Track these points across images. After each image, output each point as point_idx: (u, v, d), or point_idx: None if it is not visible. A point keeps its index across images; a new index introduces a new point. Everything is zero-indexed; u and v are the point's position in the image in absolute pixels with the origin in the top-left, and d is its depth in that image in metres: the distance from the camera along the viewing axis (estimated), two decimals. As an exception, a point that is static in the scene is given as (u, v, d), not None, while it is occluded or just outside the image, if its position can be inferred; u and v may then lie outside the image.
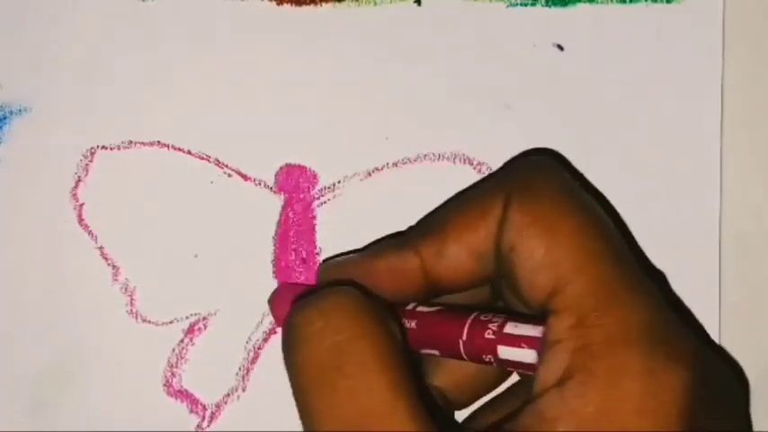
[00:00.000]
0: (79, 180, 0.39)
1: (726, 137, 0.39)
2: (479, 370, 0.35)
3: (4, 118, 0.39)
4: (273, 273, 0.40)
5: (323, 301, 0.30)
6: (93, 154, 0.39)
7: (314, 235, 0.40)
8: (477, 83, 0.40)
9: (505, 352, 0.31)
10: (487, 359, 0.31)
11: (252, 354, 0.39)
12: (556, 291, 0.29)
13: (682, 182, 0.39)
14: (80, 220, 0.39)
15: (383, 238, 0.37)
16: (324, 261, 0.38)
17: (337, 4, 0.40)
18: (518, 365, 0.31)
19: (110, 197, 0.39)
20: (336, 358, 0.29)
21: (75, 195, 0.39)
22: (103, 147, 0.39)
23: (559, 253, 0.30)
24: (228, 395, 0.39)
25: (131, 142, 0.40)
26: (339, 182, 0.40)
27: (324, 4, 0.40)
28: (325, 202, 0.40)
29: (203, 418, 0.39)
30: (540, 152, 0.39)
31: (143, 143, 0.40)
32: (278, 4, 0.40)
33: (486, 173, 0.39)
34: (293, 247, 0.40)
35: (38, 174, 0.39)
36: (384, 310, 0.31)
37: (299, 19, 0.40)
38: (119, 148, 0.40)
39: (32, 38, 0.39)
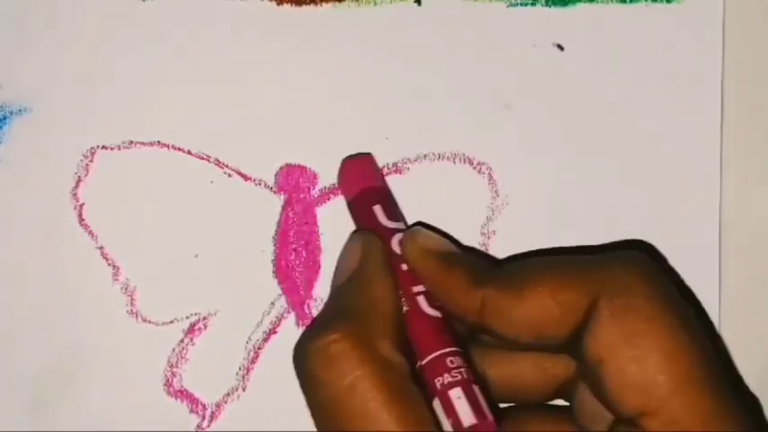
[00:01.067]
0: (79, 180, 0.39)
1: (726, 137, 0.39)
2: (534, 374, 0.35)
3: (4, 118, 0.39)
4: (273, 273, 0.40)
5: (327, 347, 0.30)
6: (93, 154, 0.39)
7: (314, 235, 0.40)
8: (477, 83, 0.40)
9: (437, 407, 0.31)
10: (428, 391, 0.31)
11: (252, 354, 0.39)
12: (647, 412, 0.29)
13: (682, 182, 0.39)
14: (80, 220, 0.39)
15: (473, 253, 0.36)
16: (418, 227, 0.36)
17: (337, 4, 0.40)
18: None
19: (110, 197, 0.39)
20: (344, 404, 0.30)
21: (75, 195, 0.39)
22: (103, 147, 0.39)
23: (655, 376, 0.29)
24: (228, 395, 0.39)
25: (131, 142, 0.40)
26: (339, 182, 0.40)
27: (324, 4, 0.40)
28: (325, 202, 0.40)
29: (203, 418, 0.39)
30: (630, 245, 0.39)
31: (143, 143, 0.40)
32: (278, 4, 0.40)
33: (486, 173, 0.39)
34: (293, 247, 0.40)
35: (38, 174, 0.39)
36: (377, 340, 0.31)
37: (299, 19, 0.40)
38: (119, 148, 0.40)
39: (32, 38, 0.39)
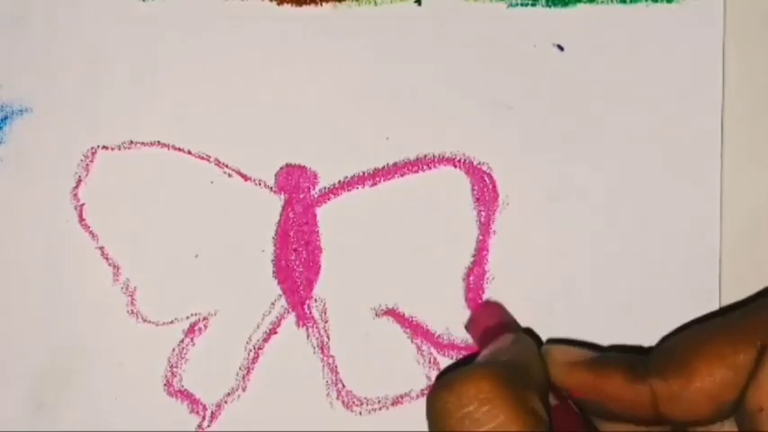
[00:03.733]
0: (79, 180, 0.39)
1: (726, 137, 0.39)
2: None
3: (5, 118, 0.39)
4: (273, 273, 0.40)
5: (479, 382, 0.30)
6: (93, 154, 0.39)
7: (314, 235, 0.40)
8: (478, 83, 0.40)
9: None
10: None
11: (252, 354, 0.39)
12: None
13: (682, 182, 0.39)
14: (80, 219, 0.39)
15: (617, 353, 0.35)
16: (551, 344, 0.36)
17: (337, 4, 0.40)
18: None
19: (110, 197, 0.39)
20: None
21: (75, 195, 0.39)
22: (104, 147, 0.39)
23: None
24: (228, 395, 0.39)
25: (131, 142, 0.40)
26: (339, 182, 0.40)
27: (324, 4, 0.40)
28: (325, 202, 0.40)
29: (204, 418, 0.39)
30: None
31: (143, 143, 0.40)
32: (278, 5, 0.40)
33: (487, 173, 0.39)
34: (293, 247, 0.40)
35: (38, 174, 0.39)
36: (527, 391, 0.31)
37: (299, 19, 0.40)
38: (119, 148, 0.40)
39: (32, 38, 0.39)
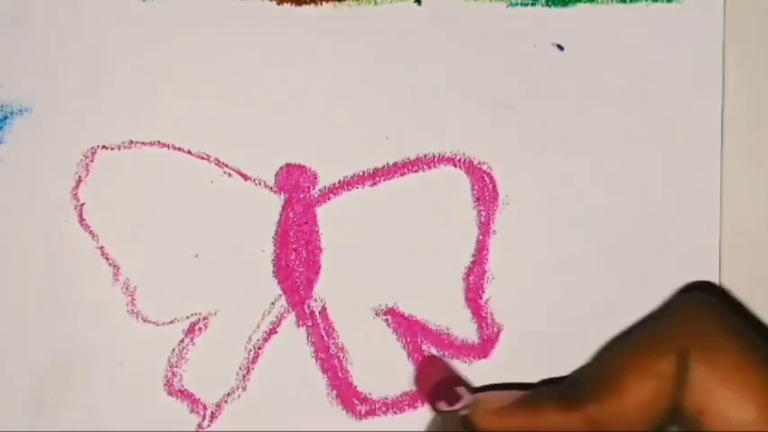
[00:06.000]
0: (79, 180, 0.39)
1: (726, 137, 0.39)
2: None
3: (5, 118, 0.39)
4: (273, 273, 0.40)
5: None
6: (93, 154, 0.39)
7: (314, 235, 0.40)
8: (477, 83, 0.40)
9: None
10: None
11: (252, 354, 0.39)
12: None
13: (682, 182, 0.39)
14: (80, 219, 0.39)
15: (544, 386, 0.35)
16: (478, 394, 0.36)
17: (337, 3, 0.40)
18: None
19: (110, 197, 0.39)
20: None
21: (75, 195, 0.39)
22: (104, 147, 0.39)
23: (756, 413, 0.30)
24: (229, 395, 0.39)
25: (131, 142, 0.40)
26: (339, 182, 0.40)
27: (324, 3, 0.40)
28: (325, 202, 0.40)
29: (204, 418, 0.39)
30: (696, 286, 0.39)
31: (143, 143, 0.40)
32: (278, 4, 0.40)
33: (487, 173, 0.39)
34: (293, 246, 0.40)
35: (38, 174, 0.39)
36: None
37: (299, 19, 0.40)
38: (119, 148, 0.40)
39: (32, 38, 0.39)
